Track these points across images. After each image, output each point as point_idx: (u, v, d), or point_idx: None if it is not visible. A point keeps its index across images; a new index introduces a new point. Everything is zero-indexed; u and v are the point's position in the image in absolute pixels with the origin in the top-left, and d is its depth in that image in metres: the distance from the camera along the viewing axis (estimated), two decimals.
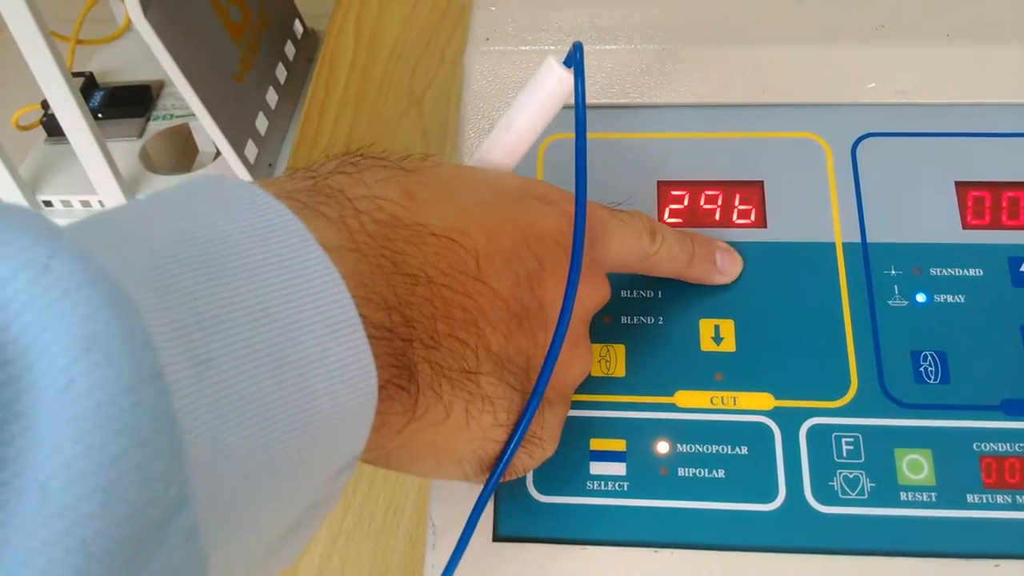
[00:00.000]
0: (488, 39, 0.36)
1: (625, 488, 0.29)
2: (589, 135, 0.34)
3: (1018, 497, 0.28)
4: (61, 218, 1.63)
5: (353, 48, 0.59)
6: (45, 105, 1.66)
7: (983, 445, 0.29)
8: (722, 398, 0.30)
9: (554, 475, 0.29)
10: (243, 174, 1.55)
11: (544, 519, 0.29)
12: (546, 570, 0.28)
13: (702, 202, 0.33)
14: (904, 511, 0.28)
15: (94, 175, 1.31)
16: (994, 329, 0.30)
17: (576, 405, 0.30)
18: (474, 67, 0.36)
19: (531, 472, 0.29)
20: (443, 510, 0.29)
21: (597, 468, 0.29)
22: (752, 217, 0.32)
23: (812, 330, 0.30)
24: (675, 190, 0.33)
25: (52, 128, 1.66)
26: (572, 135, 0.34)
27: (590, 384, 0.30)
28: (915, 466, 0.29)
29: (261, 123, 1.44)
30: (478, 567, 0.28)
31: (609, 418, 0.30)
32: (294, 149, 0.56)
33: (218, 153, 1.61)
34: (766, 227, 0.32)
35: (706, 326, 0.31)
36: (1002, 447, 0.29)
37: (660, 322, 0.31)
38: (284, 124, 0.56)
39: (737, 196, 0.33)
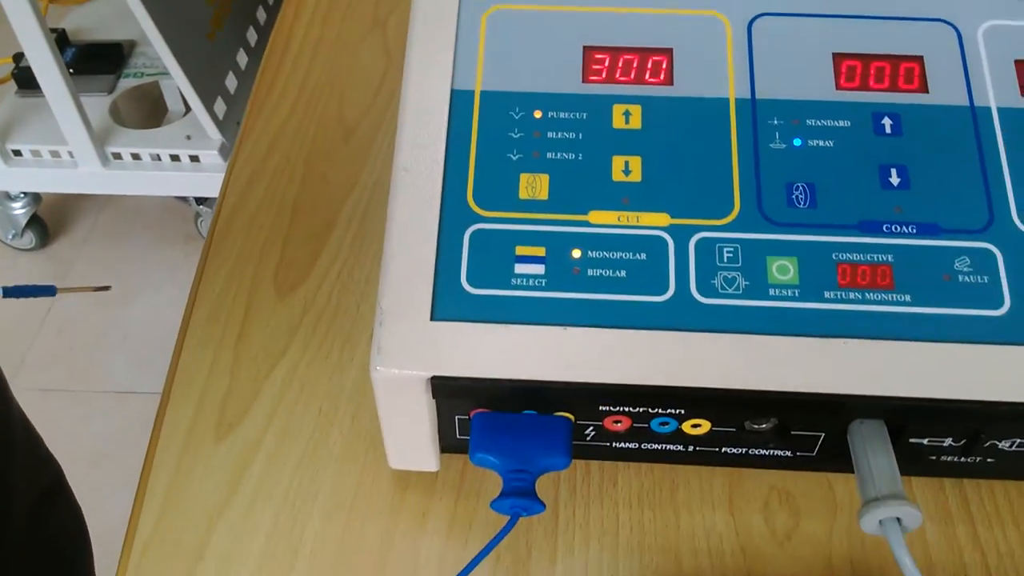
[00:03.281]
0: None
1: (543, 284, 0.34)
2: (521, 7, 0.40)
3: (866, 294, 0.34)
4: (31, 167, 1.65)
5: None
6: (17, 58, 1.69)
7: (840, 255, 0.35)
8: (627, 217, 0.35)
9: (484, 273, 0.35)
10: (212, 130, 1.59)
11: (474, 306, 0.34)
12: (474, 342, 0.33)
13: (620, 64, 0.38)
14: (772, 303, 0.34)
15: (66, 126, 1.36)
16: (856, 167, 0.36)
17: (505, 221, 0.36)
18: None
19: (465, 269, 0.35)
20: (390, 296, 0.34)
21: (521, 268, 0.35)
22: (662, 76, 0.38)
23: (705, 165, 0.36)
24: (598, 54, 0.39)
25: (23, 81, 1.70)
26: (517, 6, 0.40)
27: (519, 204, 0.36)
28: (783, 269, 0.34)
29: (231, 82, 1.51)
30: (416, 340, 0.33)
31: (533, 231, 0.35)
32: (266, 56, 0.60)
33: (187, 111, 1.65)
34: (673, 85, 0.38)
35: (618, 161, 0.37)
36: (856, 256, 0.34)
37: (579, 158, 0.37)
38: (253, 85, 0.59)
39: (650, 60, 0.38)
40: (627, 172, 0.36)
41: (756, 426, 0.36)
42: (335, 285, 0.47)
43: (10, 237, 1.52)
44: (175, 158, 1.38)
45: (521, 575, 0.37)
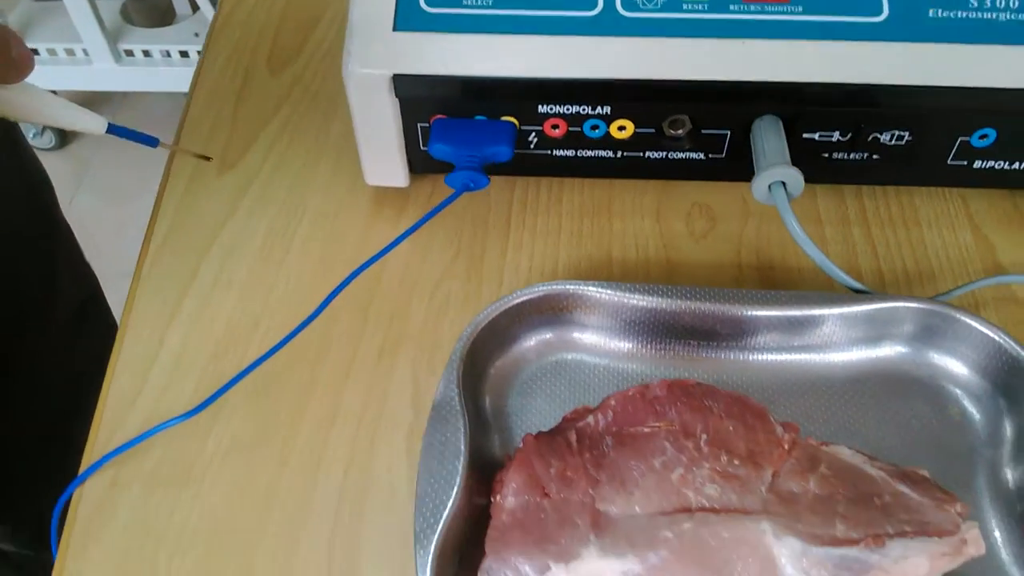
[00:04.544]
0: None
1: (490, 3, 0.40)
2: None
3: (765, 7, 0.39)
4: (47, 65, 1.70)
5: None
6: None
7: None
8: None
9: None
10: None
11: (430, 20, 0.40)
12: (430, 47, 0.39)
13: None
14: (685, 15, 0.39)
15: (80, 23, 1.42)
16: None
17: None
18: None
19: None
20: (358, 13, 0.40)
21: None
22: None
23: None
24: None
25: None
26: None
27: None
28: None
29: None
30: (381, 46, 0.39)
31: None
32: None
33: (194, 12, 1.69)
34: None
35: None
36: None
37: None
38: None
39: None
40: None
41: (673, 131, 0.42)
42: (320, 66, 0.53)
43: (31, 136, 1.59)
44: (184, 54, 1.44)
45: (476, 265, 0.43)
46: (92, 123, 0.40)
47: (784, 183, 0.39)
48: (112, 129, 0.41)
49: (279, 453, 0.37)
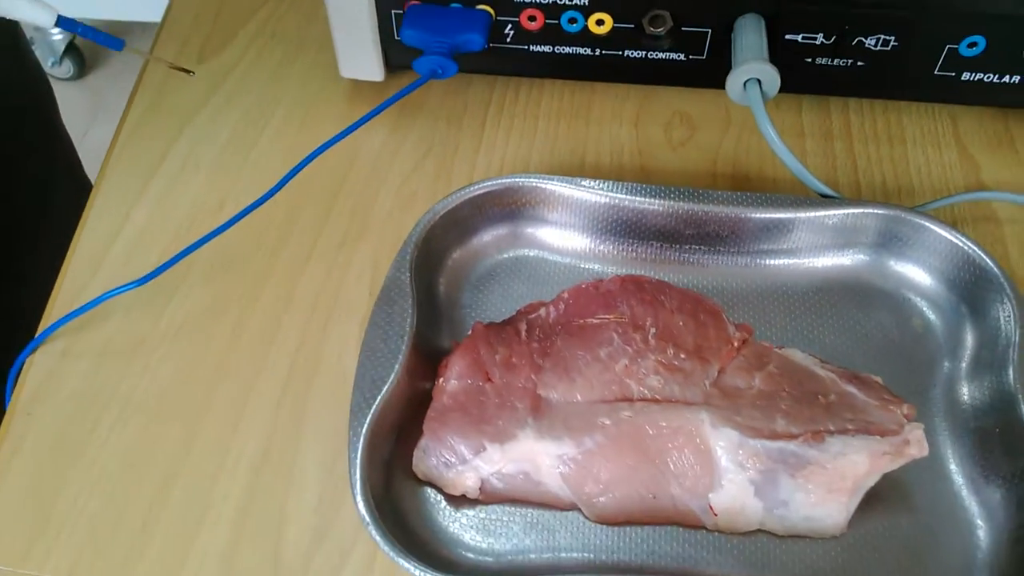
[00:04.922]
0: None
1: None
2: None
3: None
4: None
5: None
6: None
7: None
8: None
9: None
10: None
11: None
12: None
13: None
14: None
15: None
16: None
17: None
18: None
19: None
20: None
21: None
22: None
23: None
24: None
25: None
26: None
27: None
28: None
29: None
30: None
31: None
32: None
33: None
34: None
35: None
36: None
37: None
38: None
39: None
40: None
41: (653, 28, 0.40)
42: None
43: (50, 64, 1.59)
44: None
45: (447, 163, 0.42)
46: (40, 15, 0.37)
47: (759, 81, 0.37)
48: (63, 23, 0.37)
49: (231, 332, 0.37)
